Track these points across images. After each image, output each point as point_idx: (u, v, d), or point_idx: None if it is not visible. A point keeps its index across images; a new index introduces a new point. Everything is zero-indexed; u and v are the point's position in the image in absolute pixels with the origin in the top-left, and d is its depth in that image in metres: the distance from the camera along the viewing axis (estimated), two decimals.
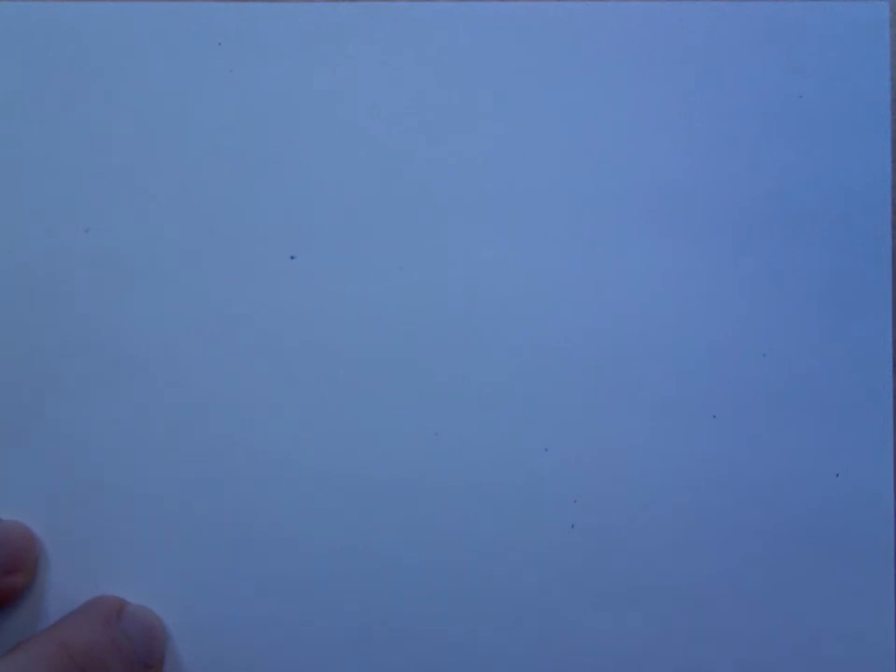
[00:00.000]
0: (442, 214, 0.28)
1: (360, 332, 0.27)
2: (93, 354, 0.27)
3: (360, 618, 0.27)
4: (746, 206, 0.28)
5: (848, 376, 0.27)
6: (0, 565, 0.26)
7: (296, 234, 0.28)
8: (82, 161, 0.28)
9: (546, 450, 0.27)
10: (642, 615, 0.27)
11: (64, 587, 0.27)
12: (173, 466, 0.27)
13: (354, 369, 0.27)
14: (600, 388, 0.27)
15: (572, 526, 0.27)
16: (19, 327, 0.27)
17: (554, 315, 0.27)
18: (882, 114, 0.28)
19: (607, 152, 0.28)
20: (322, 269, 0.28)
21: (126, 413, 0.27)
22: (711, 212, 0.28)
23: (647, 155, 0.28)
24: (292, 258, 0.28)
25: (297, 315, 0.27)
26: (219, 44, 0.28)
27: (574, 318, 0.27)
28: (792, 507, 0.27)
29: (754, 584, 0.27)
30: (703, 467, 0.27)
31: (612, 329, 0.27)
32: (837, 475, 0.27)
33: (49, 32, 0.28)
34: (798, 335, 0.27)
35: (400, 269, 0.28)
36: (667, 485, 0.27)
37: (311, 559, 0.27)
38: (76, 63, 0.28)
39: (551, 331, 0.27)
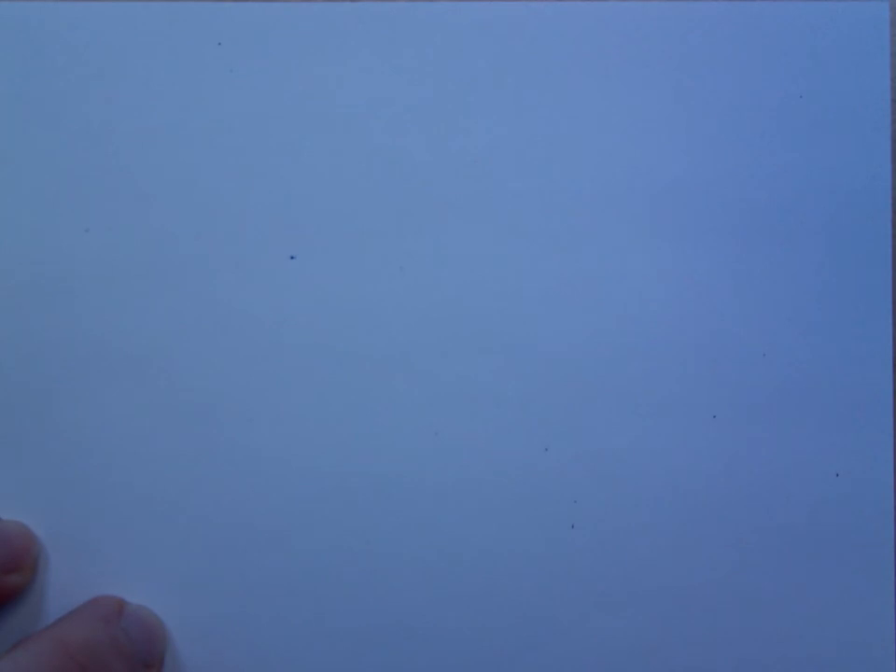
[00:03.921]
0: (442, 214, 0.28)
1: (360, 332, 0.27)
2: (93, 354, 0.27)
3: (360, 617, 0.27)
4: (746, 206, 0.28)
5: (848, 376, 0.27)
6: (0, 564, 0.26)
7: (296, 234, 0.28)
8: (82, 161, 0.28)
9: (546, 450, 0.27)
10: (642, 615, 0.27)
11: (64, 587, 0.27)
12: (173, 466, 0.27)
13: (354, 368, 0.27)
14: (600, 388, 0.27)
15: (572, 526, 0.27)
16: (19, 326, 0.27)
17: (554, 314, 0.27)
18: (882, 114, 0.28)
19: (606, 152, 0.28)
20: (322, 269, 0.28)
21: (126, 413, 0.27)
22: (711, 212, 0.28)
23: (646, 155, 0.28)
24: (292, 258, 0.28)
25: (297, 314, 0.27)
26: (219, 44, 0.28)
27: (574, 318, 0.27)
28: (792, 507, 0.27)
29: (754, 584, 0.27)
30: (703, 467, 0.27)
31: (612, 329, 0.27)
32: (837, 475, 0.27)
33: (49, 32, 0.28)
34: (798, 335, 0.27)
35: (400, 269, 0.28)
36: (667, 485, 0.27)
37: (311, 558, 0.27)
38: (76, 63, 0.28)
39: (551, 331, 0.27)
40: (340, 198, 0.28)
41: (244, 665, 0.27)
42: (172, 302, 0.27)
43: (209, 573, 0.27)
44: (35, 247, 0.27)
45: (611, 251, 0.28)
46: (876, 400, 0.27)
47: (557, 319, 0.27)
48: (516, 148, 0.28)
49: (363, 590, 0.27)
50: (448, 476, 0.27)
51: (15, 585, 0.26)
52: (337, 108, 0.28)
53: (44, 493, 0.27)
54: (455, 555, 0.27)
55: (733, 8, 0.28)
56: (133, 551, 0.27)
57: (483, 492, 0.27)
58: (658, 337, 0.27)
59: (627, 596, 0.27)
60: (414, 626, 0.27)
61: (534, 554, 0.27)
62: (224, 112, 0.28)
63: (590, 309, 0.27)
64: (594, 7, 0.28)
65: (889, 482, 0.27)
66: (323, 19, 0.28)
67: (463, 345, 0.27)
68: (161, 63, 0.28)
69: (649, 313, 0.27)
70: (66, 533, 0.27)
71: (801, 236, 0.28)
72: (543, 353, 0.27)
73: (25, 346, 0.27)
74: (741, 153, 0.28)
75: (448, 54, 0.28)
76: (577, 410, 0.27)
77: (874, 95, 0.28)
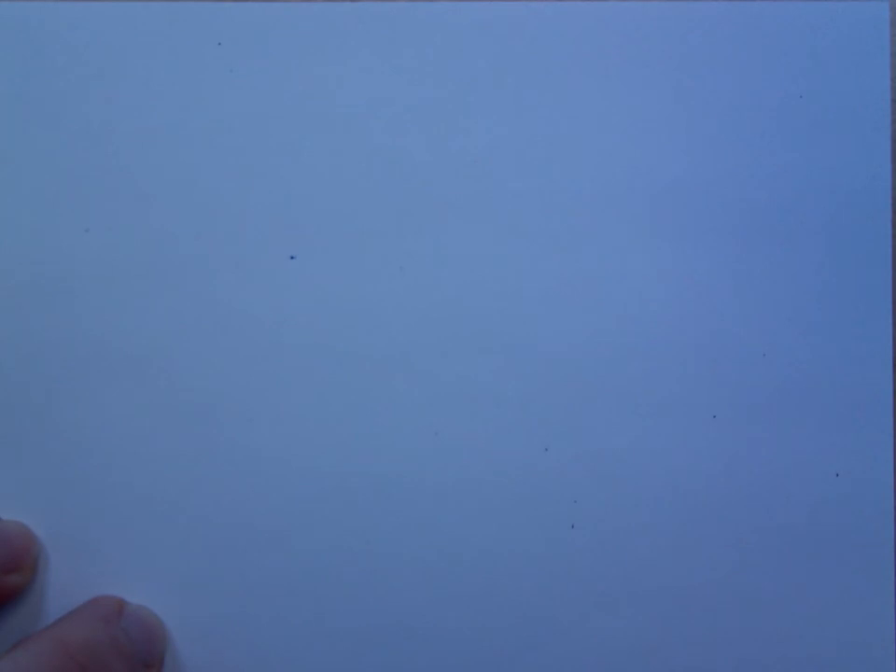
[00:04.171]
0: (442, 214, 0.28)
1: (360, 332, 0.27)
2: (93, 354, 0.27)
3: (360, 617, 0.27)
4: (745, 206, 0.28)
5: (848, 376, 0.27)
6: (0, 564, 0.26)
7: (296, 234, 0.28)
8: (82, 161, 0.28)
9: (546, 450, 0.27)
10: (642, 615, 0.27)
11: (64, 587, 0.27)
12: (173, 466, 0.27)
13: (354, 368, 0.27)
14: (600, 388, 0.27)
15: (572, 526, 0.27)
16: (19, 326, 0.27)
17: (554, 314, 0.27)
18: (882, 114, 0.28)
19: (606, 152, 0.28)
20: (322, 269, 0.28)
21: (126, 412, 0.27)
22: (711, 212, 0.28)
23: (646, 155, 0.28)
24: (292, 258, 0.28)
25: (297, 314, 0.27)
26: (219, 44, 0.28)
27: (574, 318, 0.27)
28: (792, 507, 0.27)
29: (754, 584, 0.27)
30: (703, 467, 0.27)
31: (612, 329, 0.27)
32: (837, 475, 0.27)
33: (49, 32, 0.28)
34: (798, 335, 0.27)
35: (400, 269, 0.28)
36: (667, 485, 0.27)
37: (311, 558, 0.27)
38: (76, 63, 0.28)
39: (550, 331, 0.27)
40: (340, 198, 0.28)
41: (244, 665, 0.27)
42: (172, 302, 0.27)
43: (209, 573, 0.27)
44: (35, 247, 0.27)
45: (611, 251, 0.28)
46: (876, 400, 0.27)
47: (557, 319, 0.27)
48: (516, 148, 0.28)
49: (363, 590, 0.27)
50: (448, 476, 0.27)
51: (15, 585, 0.26)
52: (337, 108, 0.28)
53: (44, 493, 0.27)
54: (455, 555, 0.27)
55: (733, 8, 0.28)
56: (133, 551, 0.27)
57: (483, 492, 0.27)
58: (658, 337, 0.27)
59: (627, 596, 0.27)
60: (414, 626, 0.27)
61: (534, 554, 0.27)
62: (224, 112, 0.28)
63: (590, 309, 0.27)
64: (594, 6, 0.28)
65: (889, 482, 0.27)
66: (323, 19, 0.28)
67: (463, 345, 0.27)
68: (161, 63, 0.28)
69: (649, 313, 0.27)
70: (66, 533, 0.27)
71: (801, 236, 0.28)
72: (543, 353, 0.27)
73: (25, 346, 0.27)
74: (741, 153, 0.28)
75: (448, 54, 0.28)
76: (577, 410, 0.27)
77: (874, 95, 0.28)
